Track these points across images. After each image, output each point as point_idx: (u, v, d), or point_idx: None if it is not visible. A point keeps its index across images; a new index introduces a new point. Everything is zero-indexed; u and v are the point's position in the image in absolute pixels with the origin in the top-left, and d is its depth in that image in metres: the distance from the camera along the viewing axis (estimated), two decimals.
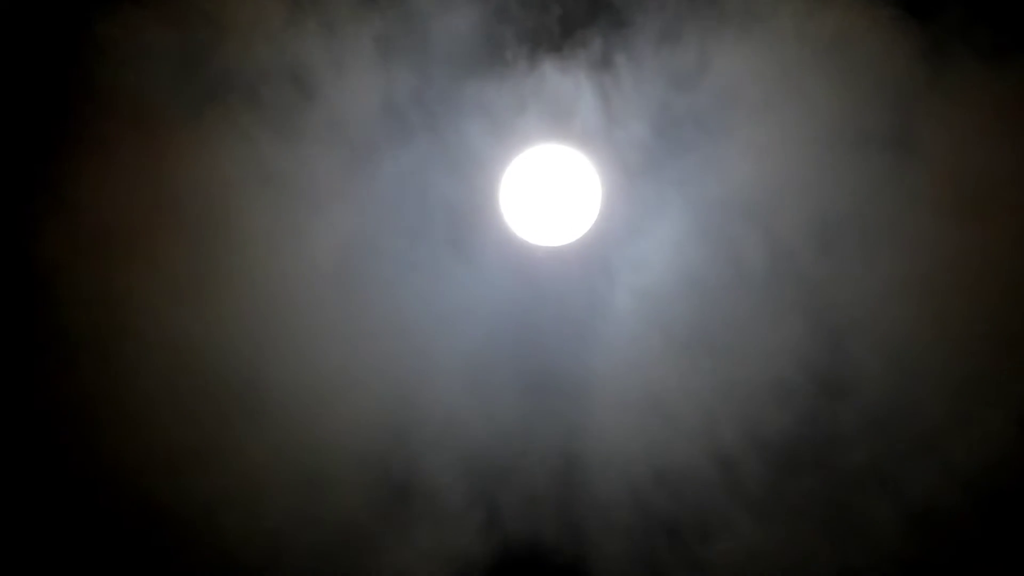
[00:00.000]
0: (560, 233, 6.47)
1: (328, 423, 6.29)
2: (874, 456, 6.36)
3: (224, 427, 6.22)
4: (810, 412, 6.35)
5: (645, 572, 6.38)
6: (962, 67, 6.27)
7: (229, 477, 6.24)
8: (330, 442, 6.29)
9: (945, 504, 6.31)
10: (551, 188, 6.44)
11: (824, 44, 6.28)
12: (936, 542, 6.29)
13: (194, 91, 6.24)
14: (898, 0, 6.26)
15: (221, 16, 6.18)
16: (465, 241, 6.41)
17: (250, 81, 6.22)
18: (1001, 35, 6.28)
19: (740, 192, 6.35)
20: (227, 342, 6.24)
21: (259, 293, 6.26)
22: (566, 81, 6.30)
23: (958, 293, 6.29)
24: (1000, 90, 6.27)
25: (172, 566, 6.23)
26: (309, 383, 6.29)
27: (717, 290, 6.37)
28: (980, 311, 6.27)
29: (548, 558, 6.41)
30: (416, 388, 6.37)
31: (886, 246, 6.33)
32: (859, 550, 6.36)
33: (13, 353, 6.23)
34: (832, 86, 6.29)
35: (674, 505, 6.41)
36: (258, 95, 6.24)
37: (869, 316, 6.34)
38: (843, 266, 6.34)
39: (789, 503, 6.38)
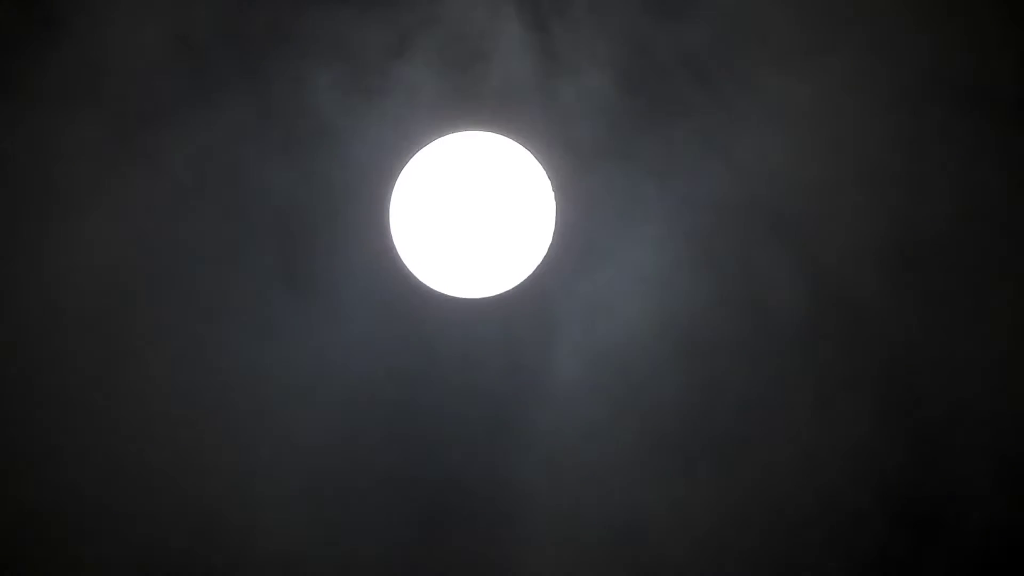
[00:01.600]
0: (475, 278, 4.60)
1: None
2: None
3: None
4: (885, 557, 4.84)
5: None
6: None
7: None
8: None
9: None
10: (456, 194, 4.50)
11: None
12: None
13: None
14: None
15: None
16: (315, 270, 4.61)
17: None
18: None
19: (763, 190, 4.73)
20: None
21: None
22: (479, 5, 4.65)
23: None
24: None
25: None
26: (41, 507, 4.61)
27: (727, 353, 4.81)
28: None
29: None
30: (229, 513, 4.73)
31: (1005, 277, 4.75)
32: None
33: None
34: (916, 23, 4.73)
35: None
36: None
37: (979, 395, 4.80)
38: (933, 313, 4.76)
39: None
